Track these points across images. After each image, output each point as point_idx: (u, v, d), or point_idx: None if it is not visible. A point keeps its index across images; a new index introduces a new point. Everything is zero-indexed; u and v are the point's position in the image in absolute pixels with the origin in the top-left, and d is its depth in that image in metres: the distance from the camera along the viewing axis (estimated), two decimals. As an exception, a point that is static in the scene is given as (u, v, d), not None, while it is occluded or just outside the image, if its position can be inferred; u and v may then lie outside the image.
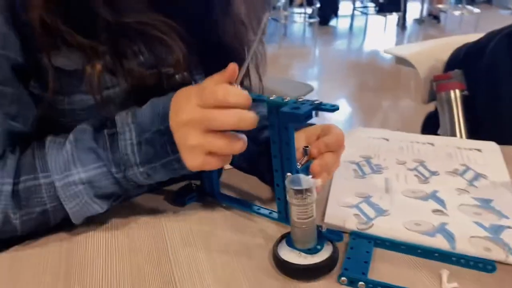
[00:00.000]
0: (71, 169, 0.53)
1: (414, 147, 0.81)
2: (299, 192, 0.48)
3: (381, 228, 0.58)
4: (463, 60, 1.23)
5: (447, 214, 0.62)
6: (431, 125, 1.33)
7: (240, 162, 0.72)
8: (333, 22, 6.36)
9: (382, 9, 5.81)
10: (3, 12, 0.52)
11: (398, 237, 0.56)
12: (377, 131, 0.87)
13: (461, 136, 1.21)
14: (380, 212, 0.61)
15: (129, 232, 0.59)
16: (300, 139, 0.60)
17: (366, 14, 6.06)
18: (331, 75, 4.38)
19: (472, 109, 1.20)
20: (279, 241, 0.54)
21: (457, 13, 5.86)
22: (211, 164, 0.52)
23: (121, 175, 0.54)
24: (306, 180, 0.48)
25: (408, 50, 1.34)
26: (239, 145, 0.50)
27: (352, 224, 0.59)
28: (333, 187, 0.67)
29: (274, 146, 0.53)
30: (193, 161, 0.52)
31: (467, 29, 5.67)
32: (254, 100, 0.51)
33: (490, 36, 1.19)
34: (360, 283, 0.49)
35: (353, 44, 5.53)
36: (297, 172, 0.53)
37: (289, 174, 0.50)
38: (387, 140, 0.84)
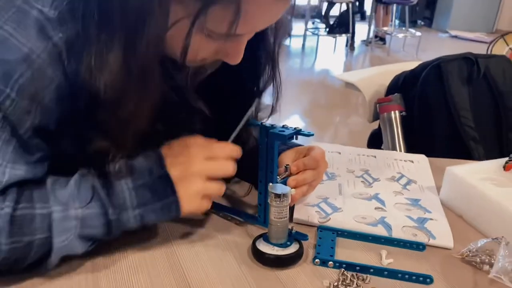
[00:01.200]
0: (70, 204, 0.56)
1: (361, 159, 1.00)
2: (278, 196, 0.64)
3: (336, 221, 0.75)
4: (401, 86, 1.44)
5: (386, 210, 0.80)
6: (375, 141, 1.54)
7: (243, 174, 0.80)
8: (286, 42, 6.65)
9: (332, 31, 6.14)
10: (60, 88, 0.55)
11: (349, 228, 0.74)
12: (331, 146, 1.05)
13: (400, 150, 1.42)
14: (335, 209, 0.79)
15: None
16: (290, 155, 0.76)
17: (317, 35, 6.36)
18: (284, 92, 4.59)
19: (409, 127, 1.42)
20: (258, 237, 0.69)
21: (400, 35, 6.28)
22: (203, 206, 0.63)
23: (115, 217, 0.58)
24: (283, 188, 0.65)
25: (356, 76, 1.55)
26: (224, 187, 0.64)
27: (314, 218, 0.75)
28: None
29: (261, 161, 0.69)
30: (190, 205, 0.61)
31: (409, 50, 6.09)
32: (251, 125, 0.68)
33: (422, 66, 1.41)
34: (330, 262, 0.65)
35: (305, 63, 5.80)
36: (277, 183, 0.69)
37: (271, 183, 0.66)
38: (339, 153, 1.02)
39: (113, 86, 0.52)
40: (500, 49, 5.00)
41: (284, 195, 0.64)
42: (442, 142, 1.34)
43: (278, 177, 0.71)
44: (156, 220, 0.61)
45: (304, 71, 5.48)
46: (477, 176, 0.81)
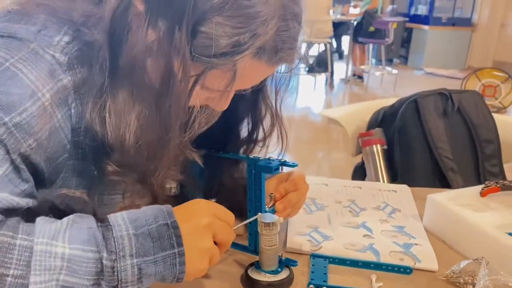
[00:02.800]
0: (58, 239, 0.49)
1: (347, 190, 1.05)
2: (267, 225, 0.68)
3: (328, 248, 0.79)
4: (381, 121, 1.52)
5: (373, 237, 0.84)
6: (359, 174, 1.60)
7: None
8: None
9: (311, 70, 6.31)
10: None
11: (340, 254, 0.78)
12: (318, 179, 1.10)
13: (383, 181, 1.48)
14: (326, 237, 0.83)
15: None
16: (272, 183, 0.80)
17: (297, 74, 6.50)
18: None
19: (391, 160, 1.48)
20: (249, 266, 0.72)
21: (378, 73, 6.50)
22: (205, 270, 0.58)
23: (109, 264, 0.50)
24: (272, 217, 0.69)
25: (337, 112, 1.62)
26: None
27: (306, 247, 0.79)
28: (290, 221, 0.88)
29: (250, 192, 0.73)
30: (196, 263, 0.55)
31: (387, 87, 6.29)
32: (241, 158, 0.73)
33: (400, 102, 1.50)
34: (323, 287, 0.69)
35: (286, 101, 5.90)
36: (265, 212, 0.73)
37: (260, 213, 0.71)
38: (327, 185, 1.07)
39: (132, 135, 0.56)
40: (473, 84, 5.23)
41: (273, 223, 0.68)
42: (422, 172, 1.41)
43: (266, 206, 0.75)
44: (156, 275, 0.53)
45: (287, 109, 5.57)
46: (456, 202, 0.87)
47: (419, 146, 1.41)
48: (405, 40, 8.35)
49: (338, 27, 6.84)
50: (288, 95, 0.75)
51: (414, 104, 1.43)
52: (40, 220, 0.51)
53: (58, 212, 0.63)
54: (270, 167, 0.69)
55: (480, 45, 7.95)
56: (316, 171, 3.49)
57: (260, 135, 0.78)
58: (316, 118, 5.07)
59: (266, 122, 0.77)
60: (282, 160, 0.71)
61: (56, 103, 0.54)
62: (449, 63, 7.86)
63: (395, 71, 6.38)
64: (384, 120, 1.52)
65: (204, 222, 0.57)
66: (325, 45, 6.11)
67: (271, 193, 0.78)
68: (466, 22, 8.07)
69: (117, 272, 0.50)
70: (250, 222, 0.71)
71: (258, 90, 0.73)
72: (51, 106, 0.54)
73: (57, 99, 0.54)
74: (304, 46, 6.92)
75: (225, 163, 0.80)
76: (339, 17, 6.61)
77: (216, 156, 0.77)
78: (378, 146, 1.48)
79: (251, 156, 0.73)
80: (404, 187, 1.08)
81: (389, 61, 7.81)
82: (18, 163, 0.52)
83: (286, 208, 0.77)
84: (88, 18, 0.57)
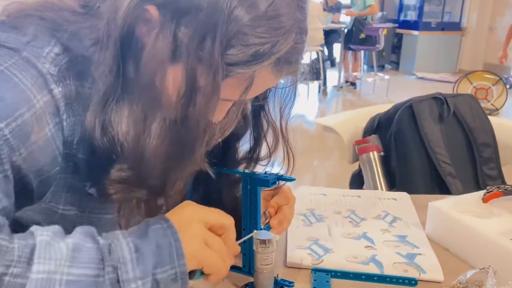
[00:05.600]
0: (60, 235, 0.49)
1: (346, 200, 1.03)
2: (263, 242, 0.65)
3: (329, 262, 0.76)
4: (377, 127, 1.50)
5: (375, 248, 0.82)
6: (357, 181, 1.58)
7: None
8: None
9: (303, 78, 6.30)
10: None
11: (342, 268, 0.75)
12: (316, 189, 1.08)
13: (381, 189, 1.46)
14: (327, 250, 0.80)
15: None
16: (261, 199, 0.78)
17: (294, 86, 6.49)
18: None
19: (388, 166, 1.46)
20: (244, 287, 0.69)
21: (370, 79, 6.51)
22: (209, 255, 0.55)
23: (106, 242, 0.49)
24: (268, 234, 0.66)
25: (332, 120, 1.61)
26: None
27: (307, 261, 0.77)
28: (289, 234, 0.86)
29: (245, 209, 0.70)
30: (192, 244, 0.53)
31: (380, 93, 6.30)
32: (235, 173, 0.70)
33: (395, 108, 1.48)
34: (325, 303, 0.66)
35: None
36: (261, 229, 0.71)
37: (255, 231, 0.68)
38: (325, 195, 1.05)
39: (152, 151, 0.54)
40: (465, 87, 5.26)
41: (269, 240, 0.65)
42: (421, 178, 1.39)
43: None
44: (154, 261, 0.49)
45: (277, 113, 5.55)
46: (458, 209, 0.85)
47: (416, 152, 1.39)
48: (396, 46, 8.40)
49: (329, 35, 6.86)
50: (292, 114, 0.73)
51: (409, 109, 1.42)
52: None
53: None
54: (266, 181, 0.67)
55: (470, 49, 8.02)
56: (311, 180, 3.46)
57: (264, 152, 0.76)
58: (310, 126, 5.07)
59: (271, 139, 0.75)
60: (279, 174, 0.69)
61: (48, 112, 0.53)
62: (440, 67, 7.91)
63: (387, 77, 6.40)
64: (380, 127, 1.50)
65: (194, 232, 0.54)
66: (317, 53, 6.12)
67: (265, 211, 0.75)
68: (455, 26, 8.14)
69: (116, 253, 0.48)
70: (244, 241, 0.68)
71: (259, 105, 0.72)
72: (44, 114, 0.52)
73: (49, 109, 0.53)
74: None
75: (223, 180, 0.77)
76: (329, 25, 6.63)
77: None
78: (375, 153, 1.46)
79: (246, 171, 0.70)
80: (403, 195, 1.06)
81: (381, 67, 7.85)
82: (8, 174, 0.49)
83: (282, 223, 0.74)
84: (79, 29, 0.56)
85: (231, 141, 0.75)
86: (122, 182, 0.56)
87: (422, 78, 7.60)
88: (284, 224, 0.74)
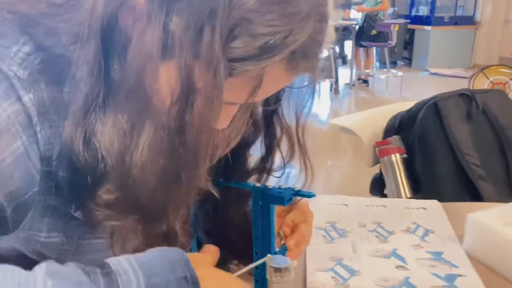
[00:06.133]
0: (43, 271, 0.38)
1: (370, 210, 0.92)
2: (278, 270, 0.55)
3: (356, 287, 0.66)
4: (399, 127, 1.39)
5: (408, 268, 0.71)
6: (377, 186, 1.47)
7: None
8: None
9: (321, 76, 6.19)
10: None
11: (371, 294, 0.65)
12: (335, 197, 0.98)
13: (405, 194, 1.35)
14: (353, 272, 0.70)
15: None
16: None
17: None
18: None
19: (412, 169, 1.35)
20: None
21: (383, 76, 6.37)
22: None
23: None
24: (283, 260, 0.56)
25: (349, 120, 1.50)
26: None
27: (331, 286, 0.67)
28: (308, 253, 0.75)
29: (256, 229, 0.60)
30: None
31: (393, 90, 6.15)
32: (244, 187, 0.60)
33: (419, 106, 1.37)
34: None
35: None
36: (276, 253, 0.61)
37: (269, 255, 0.58)
38: (347, 205, 0.94)
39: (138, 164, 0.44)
40: (481, 82, 5.09)
41: (286, 268, 0.54)
42: (448, 183, 1.28)
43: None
44: None
45: (292, 117, 5.46)
46: (502, 221, 0.74)
47: (443, 153, 1.28)
48: (408, 42, 8.25)
49: (340, 32, 6.74)
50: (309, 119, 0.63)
51: (434, 107, 1.30)
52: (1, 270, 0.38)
53: (30, 263, 0.51)
54: (281, 198, 0.56)
55: (485, 43, 7.83)
56: (324, 183, 3.35)
57: (277, 163, 0.66)
58: (323, 126, 4.96)
59: (285, 147, 0.65)
60: (296, 189, 0.58)
61: (19, 123, 0.43)
62: (454, 62, 7.74)
63: (400, 73, 6.26)
64: (402, 127, 1.39)
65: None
66: (328, 51, 6.00)
67: (279, 230, 0.65)
68: (469, 20, 7.97)
69: None
70: (256, 267, 0.58)
71: (272, 109, 0.62)
72: (13, 126, 0.43)
73: (19, 119, 0.43)
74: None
75: (231, 195, 0.67)
76: (340, 22, 6.51)
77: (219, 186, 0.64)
78: (397, 155, 1.35)
79: (257, 185, 0.60)
80: (434, 203, 0.95)
81: (393, 64, 7.71)
82: None
83: (300, 244, 0.64)
84: (57, 23, 0.46)
85: (239, 150, 0.65)
86: (109, 207, 0.47)
87: (435, 73, 7.43)
88: (301, 245, 0.64)
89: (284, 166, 0.66)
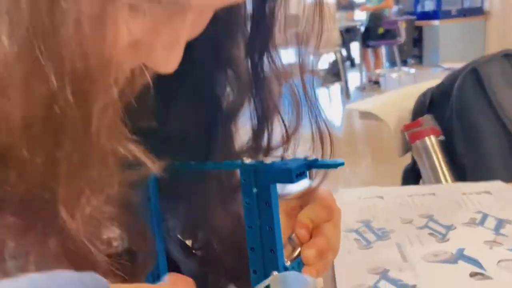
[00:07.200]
0: None
1: (415, 201, 0.69)
2: None
3: (417, 311, 0.43)
4: (430, 106, 1.16)
5: (489, 276, 0.48)
6: (412, 178, 1.22)
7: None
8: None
9: (323, 81, 6.00)
10: None
11: (443, 321, 0.41)
12: (365, 190, 0.75)
13: (447, 183, 1.11)
14: (407, 289, 0.47)
15: None
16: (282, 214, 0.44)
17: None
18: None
19: (452, 153, 1.11)
20: None
21: (394, 75, 6.15)
22: None
23: None
24: (301, 280, 0.33)
25: (371, 103, 1.27)
26: None
27: (378, 313, 0.43)
28: (337, 266, 0.52)
29: (251, 233, 0.37)
30: None
31: (406, 89, 5.93)
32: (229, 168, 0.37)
33: (452, 77, 1.13)
34: None
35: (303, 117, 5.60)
36: (286, 269, 0.37)
37: (275, 272, 0.35)
38: (382, 198, 0.71)
39: None
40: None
41: None
42: (500, 162, 1.03)
43: (285, 259, 0.38)
44: None
45: (303, 125, 5.26)
46: None
47: (490, 128, 1.04)
48: (417, 39, 8.04)
49: (346, 34, 6.56)
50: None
51: (473, 74, 1.07)
52: None
53: None
54: (287, 171, 0.33)
55: (496, 32, 7.59)
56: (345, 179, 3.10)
57: (277, 138, 0.43)
58: (337, 131, 4.73)
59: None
60: (310, 158, 0.35)
61: None
62: (466, 55, 7.40)
63: (412, 71, 6.04)
64: (434, 104, 1.15)
65: None
66: (335, 54, 5.82)
67: (290, 235, 0.41)
68: (477, 11, 7.77)
69: None
70: None
71: (260, 52, 0.41)
72: None
73: None
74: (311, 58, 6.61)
75: (210, 186, 0.44)
76: (344, 23, 6.33)
77: (187, 171, 0.41)
78: (432, 137, 1.11)
79: (247, 161, 0.37)
80: (500, 185, 0.72)
81: (403, 63, 7.49)
82: None
83: (324, 254, 0.39)
84: None
85: (219, 123, 0.43)
86: None
87: (449, 68, 7.12)
88: (327, 255, 0.40)
89: (287, 139, 0.43)
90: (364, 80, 6.33)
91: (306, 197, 0.43)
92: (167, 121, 0.40)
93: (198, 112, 0.42)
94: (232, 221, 0.45)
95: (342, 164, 0.33)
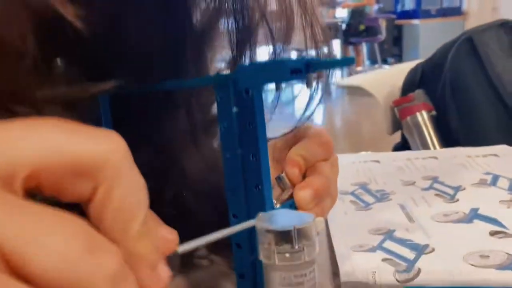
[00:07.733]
0: None
1: (416, 164, 0.61)
2: (286, 237, 0.23)
3: (433, 272, 0.35)
4: (421, 80, 1.09)
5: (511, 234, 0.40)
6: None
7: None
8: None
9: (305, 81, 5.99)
10: None
11: (466, 283, 0.34)
12: (361, 155, 0.67)
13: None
14: (419, 249, 0.39)
15: None
16: (271, 151, 0.36)
17: (291, 85, 6.19)
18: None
19: (445, 129, 1.05)
20: None
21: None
22: None
23: None
24: (294, 216, 0.25)
25: (360, 79, 1.20)
26: None
27: (387, 274, 0.35)
28: (332, 228, 0.44)
29: (230, 166, 0.29)
30: None
31: (387, 86, 5.93)
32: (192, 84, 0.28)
33: (444, 48, 1.07)
34: None
35: (283, 115, 5.55)
36: (274, 209, 0.29)
37: (260, 213, 0.26)
38: (378, 162, 0.63)
39: None
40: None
41: (300, 231, 0.23)
42: (496, 134, 0.97)
43: (274, 201, 0.30)
44: None
45: (285, 120, 5.21)
46: None
47: (486, 99, 0.97)
48: (397, 38, 8.08)
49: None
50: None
51: (468, 43, 1.00)
52: None
53: None
54: (280, 64, 0.24)
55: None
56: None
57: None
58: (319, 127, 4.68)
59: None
60: (308, 57, 0.27)
61: None
62: (445, 54, 7.59)
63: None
64: (426, 78, 1.09)
65: None
66: (316, 51, 5.79)
67: (279, 174, 0.33)
68: (456, 11, 7.87)
69: None
70: (238, 244, 0.27)
71: None
72: None
73: None
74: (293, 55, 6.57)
75: (177, 126, 0.35)
76: (325, 21, 6.32)
77: (147, 97, 0.33)
78: (424, 113, 1.05)
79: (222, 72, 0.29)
80: (506, 149, 0.65)
81: (384, 61, 7.52)
82: None
83: (321, 196, 0.32)
84: None
85: (187, 37, 0.35)
86: None
87: (428, 67, 7.25)
88: (324, 199, 0.32)
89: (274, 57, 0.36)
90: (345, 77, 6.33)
91: (297, 135, 0.36)
92: (125, 32, 0.32)
93: (163, 24, 0.33)
94: (207, 166, 0.36)
95: (352, 61, 0.24)
